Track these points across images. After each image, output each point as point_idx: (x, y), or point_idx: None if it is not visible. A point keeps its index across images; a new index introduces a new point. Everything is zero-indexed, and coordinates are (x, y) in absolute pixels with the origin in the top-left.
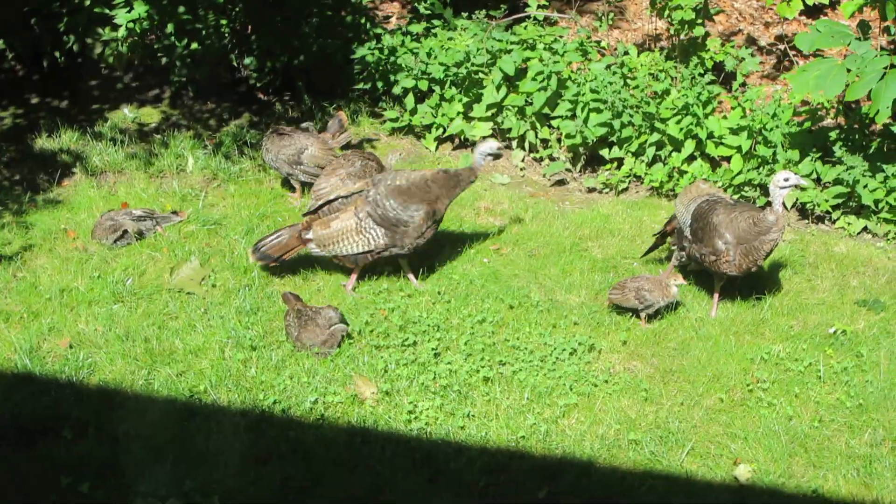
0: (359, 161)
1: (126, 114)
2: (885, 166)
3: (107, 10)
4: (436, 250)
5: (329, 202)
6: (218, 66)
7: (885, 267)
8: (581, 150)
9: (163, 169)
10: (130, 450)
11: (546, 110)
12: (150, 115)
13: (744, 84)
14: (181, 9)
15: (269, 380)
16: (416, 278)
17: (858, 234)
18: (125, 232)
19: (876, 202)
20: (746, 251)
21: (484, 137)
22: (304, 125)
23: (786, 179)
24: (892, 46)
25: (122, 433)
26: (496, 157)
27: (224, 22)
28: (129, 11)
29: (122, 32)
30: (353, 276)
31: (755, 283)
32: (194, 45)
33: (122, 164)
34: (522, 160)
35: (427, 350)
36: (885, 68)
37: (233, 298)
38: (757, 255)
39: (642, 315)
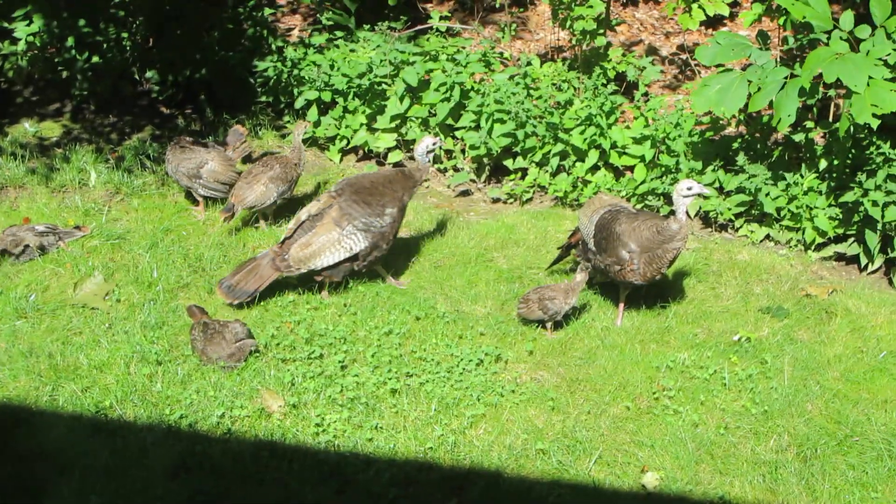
0: (277, 164)
1: (27, 128)
2: (786, 174)
3: (6, 24)
4: None
5: (300, 224)
6: (119, 79)
7: (787, 274)
8: (485, 160)
9: (65, 183)
10: (35, 467)
11: (450, 121)
12: (52, 129)
13: (646, 94)
14: (81, 22)
15: (176, 394)
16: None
17: (761, 241)
18: (27, 247)
19: (778, 210)
20: (650, 259)
21: (423, 138)
22: (204, 140)
23: (689, 188)
24: (791, 56)
25: (27, 451)
26: (434, 152)
27: (125, 35)
28: (28, 24)
29: (21, 46)
30: (388, 277)
31: (660, 291)
32: (95, 59)
33: (22, 179)
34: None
35: (334, 363)
36: (786, 78)
37: (137, 313)
38: (661, 263)
39: (548, 325)
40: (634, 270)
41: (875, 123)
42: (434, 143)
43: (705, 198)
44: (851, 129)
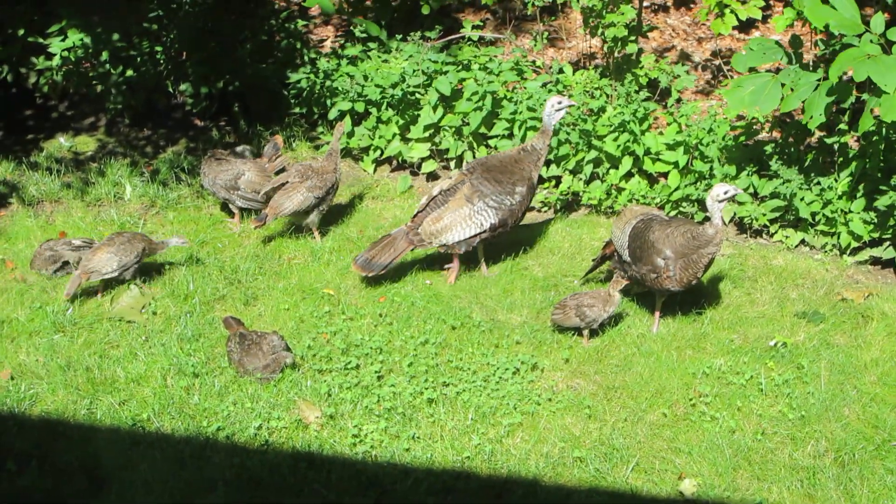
0: (313, 174)
1: (62, 143)
2: (820, 179)
3: (41, 39)
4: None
5: (431, 198)
6: (153, 92)
7: (823, 279)
8: None
9: (100, 197)
10: (74, 480)
11: (483, 130)
12: (86, 144)
13: (679, 100)
14: (115, 36)
15: (213, 406)
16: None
17: (796, 246)
18: (65, 262)
19: (813, 215)
20: (686, 265)
21: (550, 98)
22: (240, 149)
23: (725, 192)
24: (825, 60)
25: (66, 464)
26: (565, 109)
27: (159, 49)
28: (63, 40)
29: (56, 61)
30: (482, 263)
31: (695, 298)
32: (129, 73)
33: (58, 194)
34: None
35: (370, 373)
36: (818, 80)
37: (174, 325)
38: (696, 269)
39: (585, 333)
40: (671, 277)
41: None
42: (560, 102)
43: (740, 203)
44: (884, 131)
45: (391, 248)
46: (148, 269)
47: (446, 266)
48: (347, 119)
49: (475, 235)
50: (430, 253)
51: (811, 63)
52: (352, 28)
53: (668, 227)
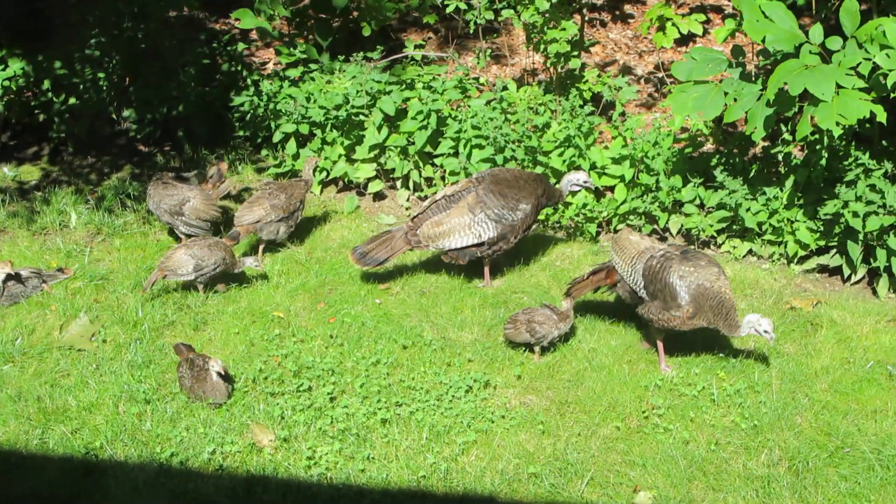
0: (282, 194)
1: (5, 172)
2: (766, 189)
3: None
4: (325, 293)
5: (434, 202)
6: (97, 119)
7: (771, 288)
8: None
9: (46, 226)
10: None
11: (428, 149)
12: (30, 173)
13: (623, 113)
14: (57, 64)
15: (166, 432)
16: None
17: (744, 256)
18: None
19: (759, 224)
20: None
21: (574, 168)
22: (186, 175)
23: (766, 331)
24: (767, 70)
25: (20, 495)
26: (581, 189)
27: (101, 75)
28: (3, 69)
29: None
30: (486, 274)
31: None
32: (72, 100)
33: (3, 223)
34: (407, 199)
35: (323, 395)
36: (761, 91)
37: (124, 353)
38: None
39: (536, 349)
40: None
41: (838, 131)
42: (586, 182)
43: (687, 214)
44: (825, 139)
45: (388, 245)
46: (97, 299)
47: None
48: (291, 143)
49: (473, 246)
50: (375, 271)
51: (753, 73)
52: (292, 50)
53: (686, 266)
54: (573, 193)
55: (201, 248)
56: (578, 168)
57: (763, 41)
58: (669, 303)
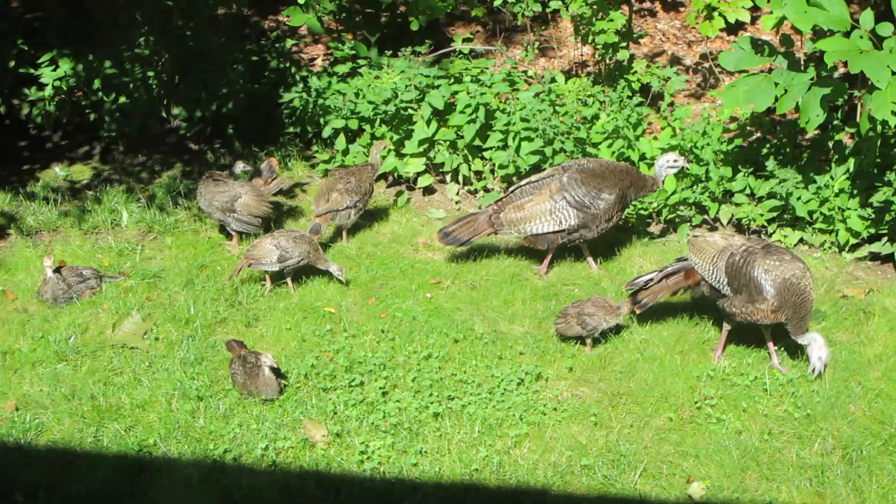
0: (353, 178)
1: (57, 172)
2: (816, 177)
3: (32, 70)
4: (376, 288)
5: (519, 187)
6: (147, 118)
7: (822, 277)
8: (515, 179)
9: (97, 225)
10: None
11: (477, 142)
12: (82, 172)
13: (672, 104)
14: (107, 63)
15: (219, 429)
16: (595, 263)
17: (795, 245)
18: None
19: (810, 213)
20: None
21: (663, 151)
22: (238, 167)
23: (675, 161)
24: (816, 59)
25: (74, 493)
26: (678, 169)
27: (151, 74)
28: (54, 70)
29: (48, 91)
30: (546, 261)
31: (697, 302)
32: (122, 99)
33: (56, 223)
34: (457, 193)
35: (375, 389)
36: (811, 80)
37: (176, 350)
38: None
39: (587, 341)
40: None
41: (893, 121)
42: (676, 161)
43: (737, 204)
44: (879, 127)
45: (471, 226)
46: (149, 297)
47: (473, 284)
48: (341, 139)
49: (554, 233)
50: (426, 266)
51: (802, 62)
52: (340, 46)
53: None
54: (669, 174)
55: (287, 240)
56: (669, 150)
57: (813, 28)
58: (754, 296)
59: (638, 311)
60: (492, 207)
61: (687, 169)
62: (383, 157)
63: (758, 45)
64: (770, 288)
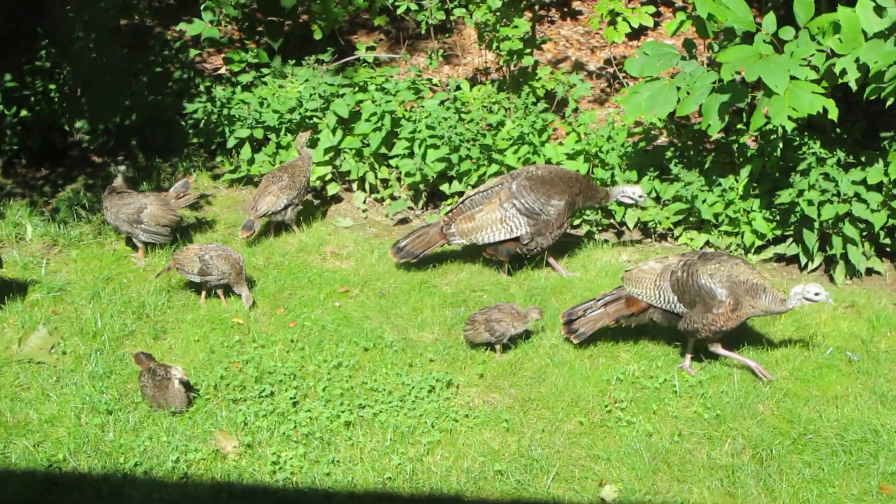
0: (285, 174)
1: None
2: (720, 180)
3: None
4: (285, 298)
5: (468, 197)
6: (49, 131)
7: None
8: (421, 187)
9: (1, 239)
10: None
11: (383, 150)
12: None
13: (576, 109)
14: (8, 76)
15: (129, 442)
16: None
17: (702, 248)
18: None
19: (715, 216)
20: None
21: (628, 182)
22: (119, 169)
23: (816, 294)
24: (718, 63)
25: None
26: (633, 203)
27: (53, 87)
28: None
29: None
30: (557, 266)
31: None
32: (24, 113)
33: None
34: (364, 202)
35: (285, 399)
36: (714, 83)
37: (84, 364)
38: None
39: (497, 347)
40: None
41: (790, 126)
42: (640, 197)
43: (643, 208)
44: (779, 129)
45: (424, 239)
46: (55, 311)
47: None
48: (246, 149)
49: (509, 241)
50: (334, 275)
51: (705, 66)
52: (230, 59)
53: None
54: (622, 203)
55: (212, 257)
56: (636, 182)
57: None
58: (709, 303)
59: (575, 342)
60: (443, 219)
61: (643, 208)
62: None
63: (662, 51)
64: (721, 289)
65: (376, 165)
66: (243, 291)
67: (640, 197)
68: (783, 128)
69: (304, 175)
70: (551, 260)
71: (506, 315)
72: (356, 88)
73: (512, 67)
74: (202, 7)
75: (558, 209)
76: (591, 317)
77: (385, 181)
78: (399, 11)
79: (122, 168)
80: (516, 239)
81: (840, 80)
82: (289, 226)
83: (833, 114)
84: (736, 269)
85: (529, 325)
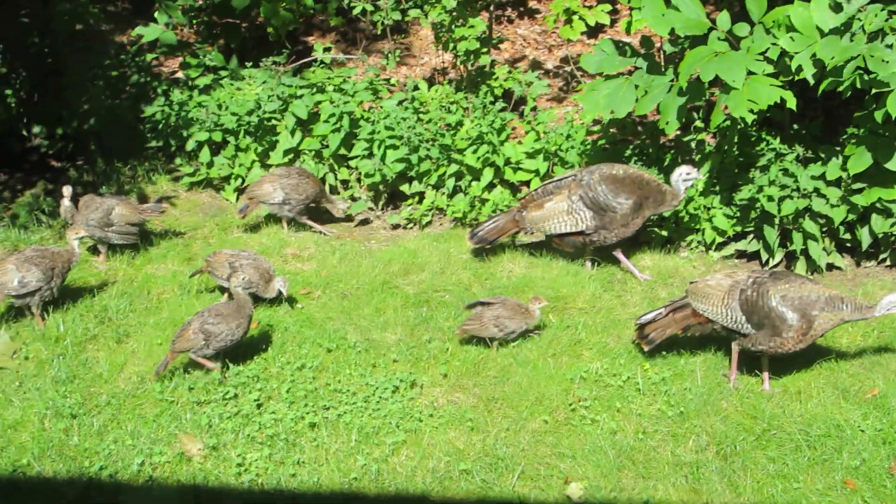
0: (294, 174)
1: None
2: None
3: None
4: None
5: (543, 185)
6: (6, 136)
7: (691, 275)
8: (381, 187)
9: None
10: None
11: (343, 151)
12: None
13: (535, 108)
14: None
15: (93, 446)
16: (638, 271)
17: (662, 245)
18: None
19: (675, 213)
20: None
21: (679, 164)
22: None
23: (688, 173)
24: (675, 60)
25: None
26: (692, 181)
27: (9, 92)
28: None
29: None
30: (628, 264)
31: (567, 304)
32: None
33: None
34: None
35: (249, 401)
36: (671, 81)
37: (47, 369)
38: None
39: (494, 344)
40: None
41: (750, 118)
42: (689, 173)
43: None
44: (738, 125)
45: (498, 225)
46: (16, 315)
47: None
48: (205, 151)
49: (574, 234)
50: (296, 276)
51: (662, 63)
52: (201, 58)
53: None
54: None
55: (246, 265)
56: (685, 162)
57: (671, 32)
58: (778, 326)
59: (646, 348)
60: (516, 206)
61: (699, 180)
62: (232, 180)
63: (619, 48)
64: (793, 314)
65: (336, 166)
66: (277, 282)
67: (689, 174)
68: (742, 122)
69: (312, 189)
70: (623, 259)
71: (517, 313)
72: (314, 90)
73: (469, 67)
74: (155, 13)
75: (624, 207)
76: (660, 322)
77: (345, 182)
78: (355, 12)
79: (68, 189)
80: (581, 232)
81: (797, 77)
82: (252, 228)
83: (791, 103)
84: (804, 288)
85: (537, 321)
